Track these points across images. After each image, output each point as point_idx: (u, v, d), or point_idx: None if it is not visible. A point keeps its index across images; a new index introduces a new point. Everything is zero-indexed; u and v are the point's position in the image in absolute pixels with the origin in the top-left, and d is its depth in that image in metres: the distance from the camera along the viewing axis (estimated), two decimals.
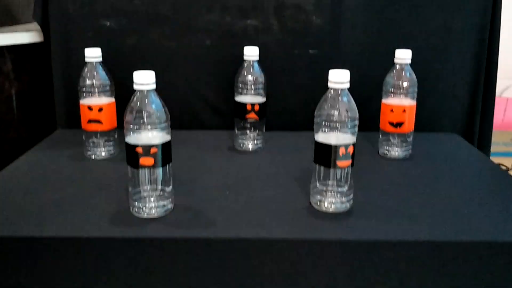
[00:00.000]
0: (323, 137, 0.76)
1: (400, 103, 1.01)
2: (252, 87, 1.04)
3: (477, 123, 1.27)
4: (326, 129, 0.76)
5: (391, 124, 1.02)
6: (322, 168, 0.78)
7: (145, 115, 0.73)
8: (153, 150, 0.73)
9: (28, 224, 0.75)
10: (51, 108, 1.26)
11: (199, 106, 1.26)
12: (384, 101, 1.03)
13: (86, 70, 0.99)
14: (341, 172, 0.78)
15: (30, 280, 0.73)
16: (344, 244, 0.73)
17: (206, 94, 1.26)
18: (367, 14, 1.20)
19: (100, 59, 0.99)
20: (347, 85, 0.75)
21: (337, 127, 0.75)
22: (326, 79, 0.76)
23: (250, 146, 1.09)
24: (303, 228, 0.75)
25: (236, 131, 1.09)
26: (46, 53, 1.23)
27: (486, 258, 0.72)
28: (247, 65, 1.04)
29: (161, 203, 0.78)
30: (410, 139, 1.04)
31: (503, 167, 1.51)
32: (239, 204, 0.83)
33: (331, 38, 1.21)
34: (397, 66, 1.01)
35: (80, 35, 1.20)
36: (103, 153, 1.03)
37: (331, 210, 0.79)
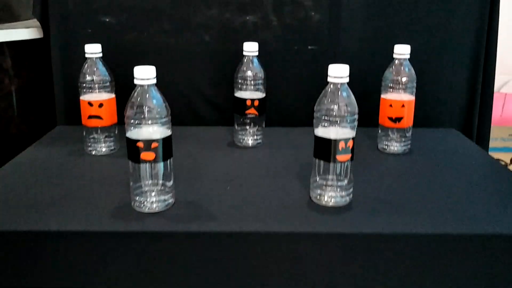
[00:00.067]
0: (323, 131, 0.77)
1: (399, 98, 1.02)
2: (252, 82, 1.05)
3: (476, 118, 1.28)
4: (325, 124, 0.76)
5: (390, 119, 1.03)
6: (322, 162, 0.78)
7: (145, 110, 0.73)
8: (154, 145, 0.74)
9: (29, 218, 0.76)
10: (51, 105, 1.26)
11: (199, 102, 1.26)
12: (383, 96, 1.04)
13: (86, 66, 0.99)
14: (341, 166, 0.78)
15: (31, 273, 0.73)
16: (344, 237, 0.73)
17: (205, 90, 1.26)
18: (366, 10, 1.20)
19: (100, 55, 1.00)
20: (347, 80, 0.75)
21: (337, 122, 0.76)
22: (325, 75, 0.77)
23: (250, 141, 1.09)
24: (303, 222, 0.76)
25: (235, 126, 1.10)
26: (45, 50, 1.23)
27: (486, 250, 0.72)
28: (246, 60, 1.05)
29: (162, 197, 0.78)
30: (409, 134, 1.05)
31: (502, 163, 1.52)
32: (240, 198, 0.83)
33: (330, 34, 1.22)
34: (396, 61, 1.01)
35: (80, 31, 1.20)
36: (104, 149, 1.03)
37: (330, 204, 0.80)
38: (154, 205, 0.77)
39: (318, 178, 0.80)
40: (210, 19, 1.20)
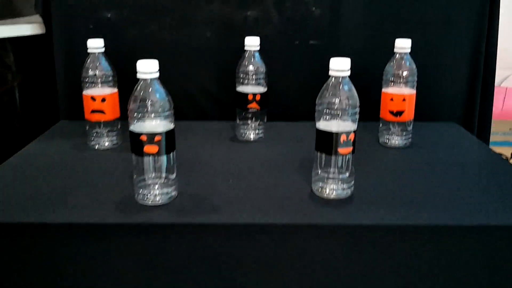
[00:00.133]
0: (325, 124, 0.77)
1: (400, 92, 1.02)
2: (253, 77, 1.05)
3: (476, 112, 1.28)
4: (327, 117, 0.77)
5: (391, 113, 1.03)
6: (323, 155, 0.79)
7: (149, 103, 0.74)
8: (157, 138, 0.74)
9: (33, 211, 0.76)
10: (53, 100, 1.27)
11: (201, 97, 1.27)
12: (384, 90, 1.04)
13: (89, 61, 1.00)
14: (342, 159, 0.79)
15: (36, 265, 0.74)
16: (345, 229, 0.74)
17: (207, 85, 1.27)
18: (367, 4, 1.21)
19: (103, 50, 1.00)
20: (348, 73, 0.76)
21: (338, 115, 0.76)
22: (326, 70, 0.77)
23: (251, 136, 1.10)
24: (305, 213, 0.77)
25: (237, 121, 1.10)
26: (48, 45, 1.24)
27: (486, 241, 0.73)
28: (248, 55, 1.05)
29: (165, 190, 0.79)
30: (410, 127, 1.05)
31: (503, 157, 1.52)
32: (242, 191, 0.84)
33: (331, 29, 1.22)
34: (397, 56, 1.02)
35: (82, 27, 1.21)
36: (107, 143, 1.04)
37: (332, 196, 0.80)
38: (158, 198, 0.78)
39: (319, 171, 0.81)
40: (211, 14, 1.21)
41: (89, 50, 1.00)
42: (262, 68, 1.05)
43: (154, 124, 0.74)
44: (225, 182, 0.87)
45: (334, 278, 0.74)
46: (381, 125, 1.07)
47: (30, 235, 0.74)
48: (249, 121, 1.09)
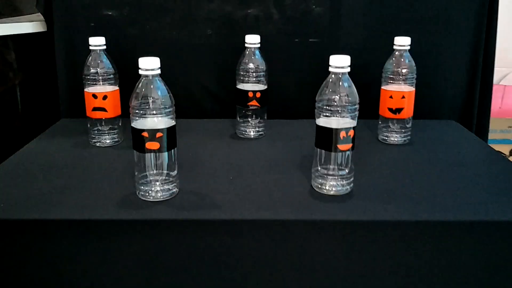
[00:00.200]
0: (324, 121, 0.78)
1: (399, 89, 1.03)
2: (254, 74, 1.06)
3: (475, 110, 1.29)
4: (327, 113, 0.78)
5: (391, 110, 1.04)
6: (323, 152, 0.80)
7: (150, 100, 0.75)
8: (158, 135, 0.75)
9: (35, 207, 0.77)
10: (54, 98, 1.27)
11: (201, 95, 1.28)
12: (383, 87, 1.05)
13: (90, 58, 1.01)
14: (342, 155, 0.80)
15: (38, 261, 0.75)
16: (345, 225, 0.75)
17: (207, 83, 1.27)
18: (367, 3, 1.22)
19: (104, 47, 1.01)
20: (348, 70, 0.77)
21: (338, 111, 0.77)
22: (326, 67, 0.78)
23: (252, 133, 1.11)
24: (305, 209, 0.77)
25: (238, 118, 1.11)
26: (49, 43, 1.24)
27: (485, 236, 0.74)
28: (248, 52, 1.06)
29: (167, 187, 0.79)
30: (409, 125, 1.06)
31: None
32: (242, 188, 0.85)
33: (331, 27, 1.23)
34: (396, 53, 1.02)
35: (83, 25, 1.21)
36: (108, 141, 1.05)
37: (332, 192, 0.81)
38: (159, 194, 0.79)
39: (319, 168, 0.82)
40: (212, 12, 1.21)
41: (90, 48, 1.00)
42: (262, 66, 1.06)
43: (156, 120, 0.75)
44: (226, 179, 0.88)
45: (334, 273, 0.75)
46: (380, 122, 1.08)
47: (32, 232, 0.74)
48: (250, 119, 1.10)
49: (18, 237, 0.74)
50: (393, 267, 0.75)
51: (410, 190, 0.84)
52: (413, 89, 1.04)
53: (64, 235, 0.74)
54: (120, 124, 1.06)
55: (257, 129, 1.11)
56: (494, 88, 1.29)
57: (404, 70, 1.02)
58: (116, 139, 1.06)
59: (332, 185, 0.81)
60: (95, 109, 1.02)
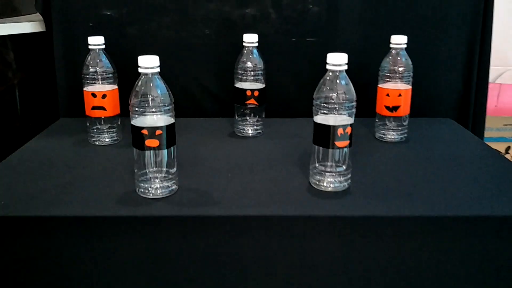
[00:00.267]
0: (322, 118, 0.79)
1: (395, 87, 1.04)
2: (252, 73, 1.07)
3: (471, 108, 1.30)
4: (324, 110, 0.78)
5: (387, 108, 1.05)
6: (321, 148, 0.81)
7: (150, 98, 0.75)
8: (158, 132, 0.76)
9: (36, 205, 0.78)
10: (53, 97, 1.28)
11: (199, 94, 1.28)
12: (380, 85, 1.06)
13: (89, 57, 1.01)
14: (339, 152, 0.81)
15: (39, 257, 0.75)
16: (342, 221, 0.76)
17: (205, 82, 1.28)
18: (364, 2, 1.22)
19: (103, 47, 1.01)
20: (345, 67, 0.78)
21: (335, 108, 0.78)
22: (323, 67, 0.79)
23: (250, 132, 1.11)
24: (303, 206, 0.78)
25: (236, 117, 1.12)
26: (48, 43, 1.25)
27: (480, 231, 0.75)
28: (246, 51, 1.07)
29: (166, 184, 0.80)
30: (406, 122, 1.07)
31: None
32: (241, 185, 0.85)
33: (329, 26, 1.24)
34: (393, 51, 1.03)
35: (81, 24, 1.22)
36: (107, 139, 1.05)
37: (329, 189, 0.82)
38: (158, 191, 0.80)
39: (317, 165, 0.82)
40: (210, 12, 1.22)
41: (90, 47, 1.01)
42: (260, 65, 1.07)
43: (155, 118, 0.76)
44: (225, 177, 0.89)
45: (332, 268, 0.76)
46: (377, 120, 1.09)
47: (32, 229, 0.75)
48: (248, 117, 1.10)
49: (19, 234, 0.75)
50: (390, 262, 0.76)
51: (407, 186, 0.85)
52: (409, 87, 1.05)
53: (64, 232, 0.75)
54: (119, 123, 1.06)
55: (255, 127, 1.12)
56: (490, 86, 1.30)
57: (400, 68, 1.03)
58: (115, 138, 1.06)
59: (330, 182, 0.82)
60: (94, 108, 1.02)
